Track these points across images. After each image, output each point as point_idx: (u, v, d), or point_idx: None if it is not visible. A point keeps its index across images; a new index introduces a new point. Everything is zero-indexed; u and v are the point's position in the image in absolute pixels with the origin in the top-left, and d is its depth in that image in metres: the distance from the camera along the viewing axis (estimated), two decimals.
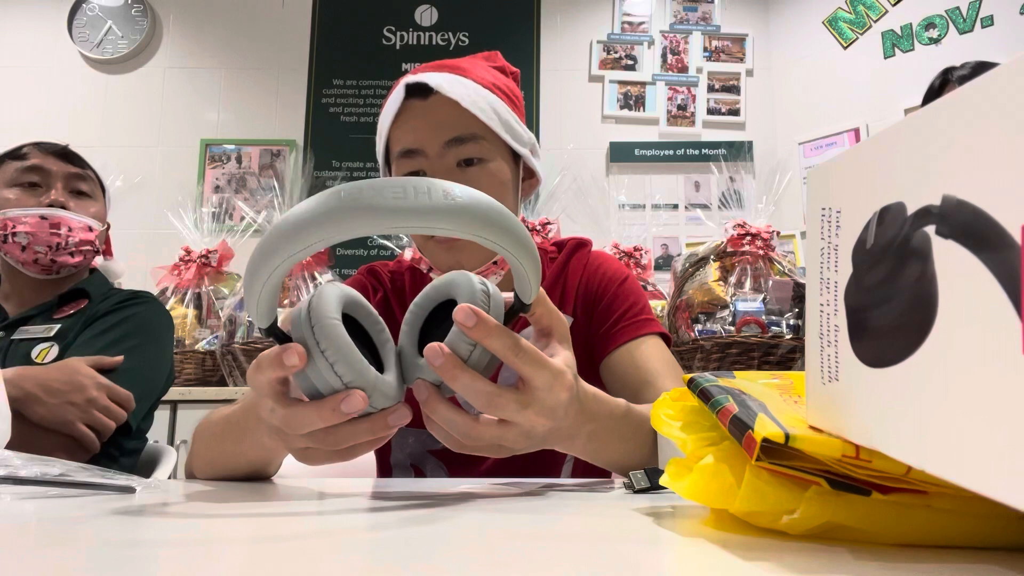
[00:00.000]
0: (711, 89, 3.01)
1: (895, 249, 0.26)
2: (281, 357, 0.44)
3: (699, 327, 1.85)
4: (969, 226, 0.23)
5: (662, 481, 0.38)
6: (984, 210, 0.22)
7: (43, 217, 1.20)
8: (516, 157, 0.89)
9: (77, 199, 1.26)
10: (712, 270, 1.91)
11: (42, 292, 1.25)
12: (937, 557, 0.27)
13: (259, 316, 0.43)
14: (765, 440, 0.30)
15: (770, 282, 1.86)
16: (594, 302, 0.91)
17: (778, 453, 0.30)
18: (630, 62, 3.03)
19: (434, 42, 3.04)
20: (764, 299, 1.84)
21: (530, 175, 0.94)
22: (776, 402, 0.36)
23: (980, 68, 1.49)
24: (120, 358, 1.11)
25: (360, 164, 2.93)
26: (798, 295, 1.85)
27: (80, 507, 0.44)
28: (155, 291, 2.34)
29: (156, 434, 1.97)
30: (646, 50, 3.04)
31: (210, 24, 3.03)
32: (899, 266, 0.26)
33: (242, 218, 2.64)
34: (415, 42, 3.04)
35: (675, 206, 2.92)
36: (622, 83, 3.01)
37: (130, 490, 0.52)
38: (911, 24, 2.71)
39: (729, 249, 1.92)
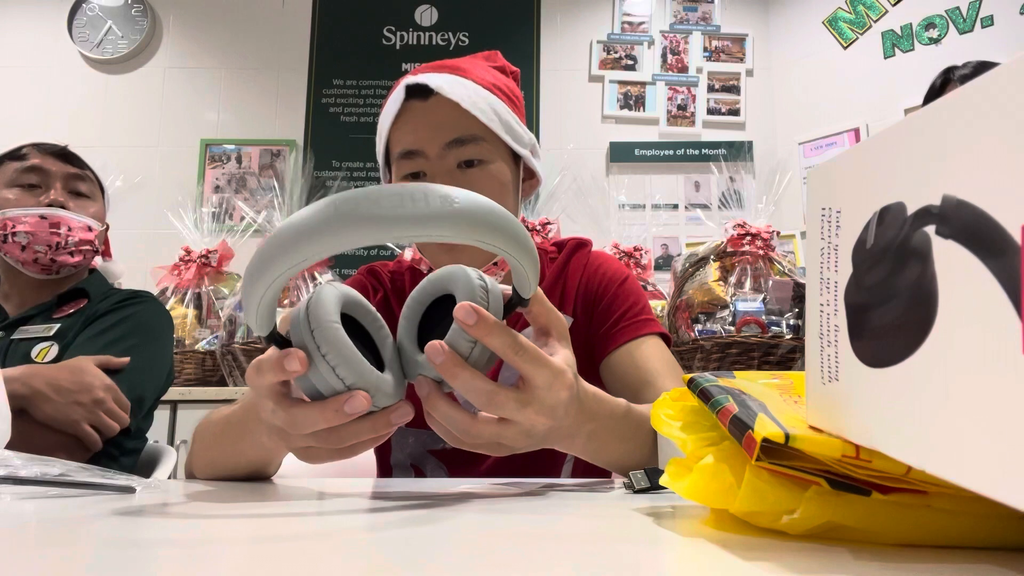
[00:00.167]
0: (711, 89, 3.01)
1: (895, 249, 0.26)
2: (282, 363, 0.44)
3: (699, 327, 1.85)
4: (969, 226, 0.23)
5: (662, 481, 0.38)
6: (984, 210, 0.22)
7: (43, 217, 1.20)
8: (516, 158, 0.89)
9: (76, 199, 1.26)
10: (712, 270, 1.91)
11: (42, 292, 1.25)
12: (937, 557, 0.27)
13: (258, 325, 0.43)
14: (765, 440, 0.30)
15: (770, 282, 1.86)
16: (594, 302, 0.91)
17: (778, 453, 0.30)
18: (630, 62, 3.03)
19: (434, 42, 3.04)
20: (764, 299, 1.84)
21: (530, 176, 0.94)
22: (776, 402, 0.36)
23: (981, 68, 1.49)
24: (126, 359, 1.11)
25: (360, 164, 2.93)
26: (798, 295, 1.85)
27: (80, 507, 0.44)
28: (155, 291, 2.34)
29: (156, 434, 1.97)
30: (646, 50, 3.04)
31: (210, 24, 3.03)
32: (899, 266, 0.26)
33: (242, 218, 2.64)
34: (415, 42, 3.04)
35: (675, 206, 2.92)
36: (622, 83, 3.01)
37: (130, 490, 0.52)
38: (911, 24, 2.71)
39: (729, 249, 1.92)
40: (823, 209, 0.32)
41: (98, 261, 1.36)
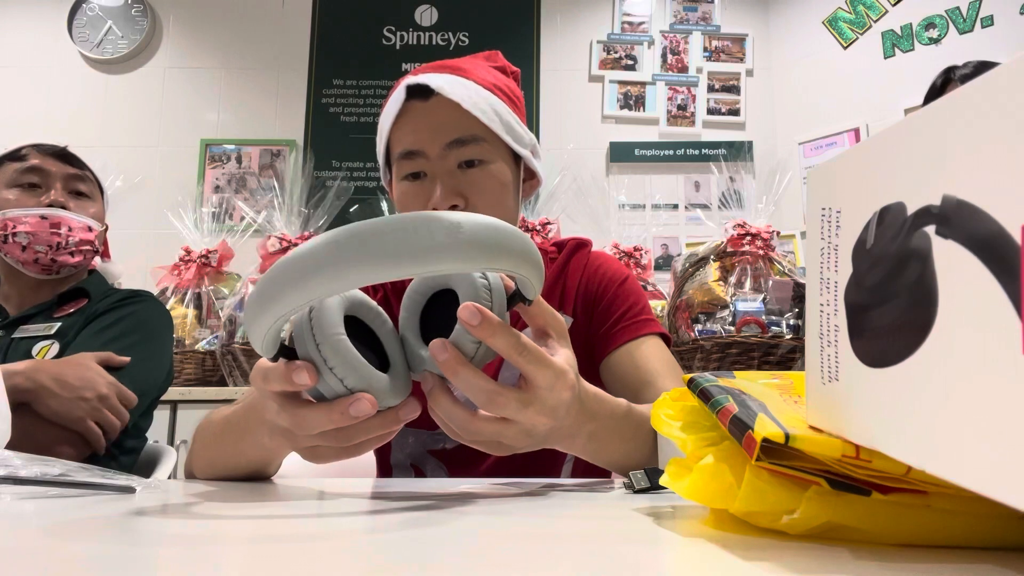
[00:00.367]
0: (711, 89, 3.01)
1: (895, 249, 0.26)
2: (290, 376, 0.44)
3: (699, 327, 1.85)
4: (969, 226, 0.23)
5: (662, 481, 0.38)
6: (984, 210, 0.22)
7: (43, 217, 1.20)
8: (517, 158, 0.89)
9: (76, 199, 1.26)
10: (712, 270, 1.91)
11: (42, 292, 1.26)
12: (937, 557, 0.27)
13: (264, 352, 0.43)
14: (765, 440, 0.30)
15: (770, 282, 1.86)
16: (594, 302, 0.91)
17: (778, 453, 0.30)
18: (630, 62, 3.03)
19: (434, 42, 3.04)
20: (764, 299, 1.84)
21: (531, 176, 0.94)
22: (776, 402, 0.36)
23: (982, 68, 1.49)
24: (127, 358, 1.11)
25: (360, 164, 2.93)
26: (798, 295, 1.85)
27: (80, 507, 0.44)
28: (155, 291, 2.34)
29: (156, 434, 1.97)
30: (646, 50, 3.04)
31: (210, 24, 3.03)
32: (899, 266, 0.26)
33: (242, 218, 2.64)
34: (415, 42, 3.04)
35: (675, 206, 2.92)
36: (622, 83, 3.01)
37: (130, 490, 0.52)
38: (911, 24, 2.71)
39: (729, 249, 1.92)
40: (823, 209, 0.32)
41: (97, 262, 1.36)
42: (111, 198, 1.38)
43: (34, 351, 1.14)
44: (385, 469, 0.93)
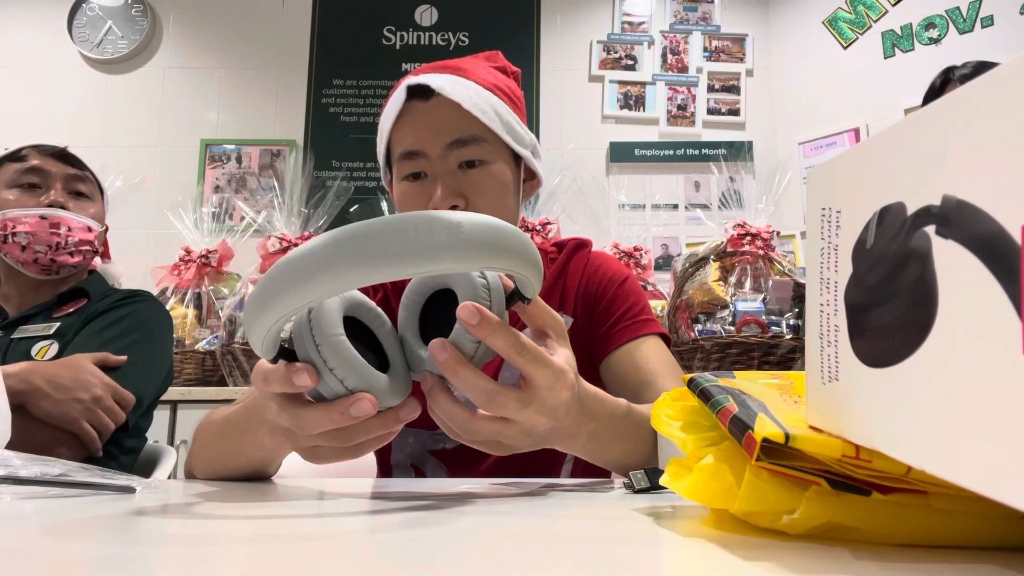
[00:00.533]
0: (711, 89, 3.01)
1: (895, 249, 0.26)
2: (291, 378, 0.44)
3: (699, 327, 1.85)
4: (969, 226, 0.23)
5: (662, 481, 0.38)
6: (984, 210, 0.22)
7: (43, 217, 1.20)
8: (517, 158, 0.89)
9: (76, 200, 1.27)
10: (712, 270, 1.91)
11: (41, 292, 1.26)
12: (937, 557, 0.27)
13: (264, 353, 0.43)
14: (765, 440, 0.30)
15: (770, 282, 1.86)
16: (594, 302, 0.91)
17: (778, 453, 0.30)
18: (630, 62, 3.03)
19: (434, 42, 3.04)
20: (764, 299, 1.84)
21: (531, 176, 0.94)
22: (776, 402, 0.36)
23: (981, 68, 1.49)
24: (124, 357, 1.11)
25: (360, 164, 2.93)
26: (798, 295, 1.85)
27: (80, 507, 0.44)
28: (155, 291, 2.34)
29: (156, 434, 1.97)
30: (646, 50, 3.04)
31: (210, 24, 3.03)
32: (899, 266, 0.26)
33: (242, 218, 2.64)
34: (415, 42, 3.04)
35: (675, 206, 2.92)
36: (622, 83, 3.01)
37: (130, 490, 0.52)
38: (911, 24, 2.71)
39: (729, 249, 1.92)
40: (823, 209, 0.32)
41: (97, 262, 1.36)
42: (111, 198, 1.39)
43: (33, 351, 1.14)
44: (385, 469, 0.93)
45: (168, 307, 2.28)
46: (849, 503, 0.30)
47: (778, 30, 3.05)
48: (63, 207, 1.23)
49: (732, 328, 1.81)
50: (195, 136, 2.93)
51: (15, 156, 1.25)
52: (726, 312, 1.84)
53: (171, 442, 2.07)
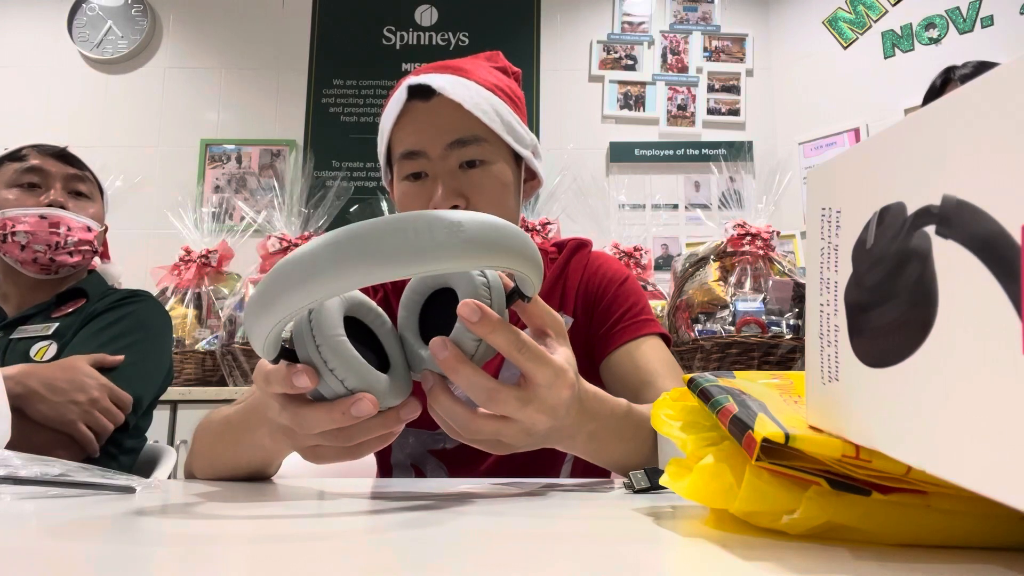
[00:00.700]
0: (711, 89, 3.01)
1: (895, 249, 0.26)
2: (291, 379, 0.44)
3: (699, 327, 1.85)
4: (969, 226, 0.23)
5: (662, 481, 0.38)
6: (984, 210, 0.22)
7: (42, 216, 1.20)
8: (518, 159, 0.89)
9: (76, 200, 1.26)
10: (712, 270, 1.91)
11: (41, 292, 1.26)
12: (937, 557, 0.27)
13: (265, 354, 0.43)
14: (765, 440, 0.30)
15: (770, 282, 1.86)
16: (594, 302, 0.91)
17: (778, 453, 0.30)
18: (630, 62, 3.03)
19: (434, 42, 3.04)
20: (764, 299, 1.84)
21: (531, 176, 0.94)
22: (776, 402, 0.36)
23: (981, 68, 1.49)
24: (121, 357, 1.11)
25: (360, 164, 2.93)
26: (798, 295, 1.85)
27: (80, 507, 0.44)
28: (155, 291, 2.34)
29: (156, 434, 1.97)
30: (646, 50, 3.04)
31: (210, 24, 3.03)
32: (899, 266, 0.26)
33: (242, 218, 2.64)
34: (415, 42, 3.04)
35: (675, 206, 2.92)
36: (622, 83, 3.01)
37: (130, 490, 0.52)
38: (911, 24, 2.71)
39: (729, 249, 1.92)
40: (823, 209, 0.32)
41: (97, 263, 1.36)
42: (111, 198, 1.39)
43: (32, 351, 1.14)
44: (385, 469, 0.93)
45: (168, 307, 2.28)
46: (849, 503, 0.30)
47: (778, 30, 3.05)
48: (63, 207, 1.23)
49: (732, 328, 1.81)
50: (195, 136, 2.93)
51: (15, 156, 1.25)
52: (726, 312, 1.84)
53: (171, 442, 2.07)
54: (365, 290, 0.95)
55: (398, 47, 3.03)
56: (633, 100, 3.00)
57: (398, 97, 0.84)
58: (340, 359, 0.44)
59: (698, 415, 0.39)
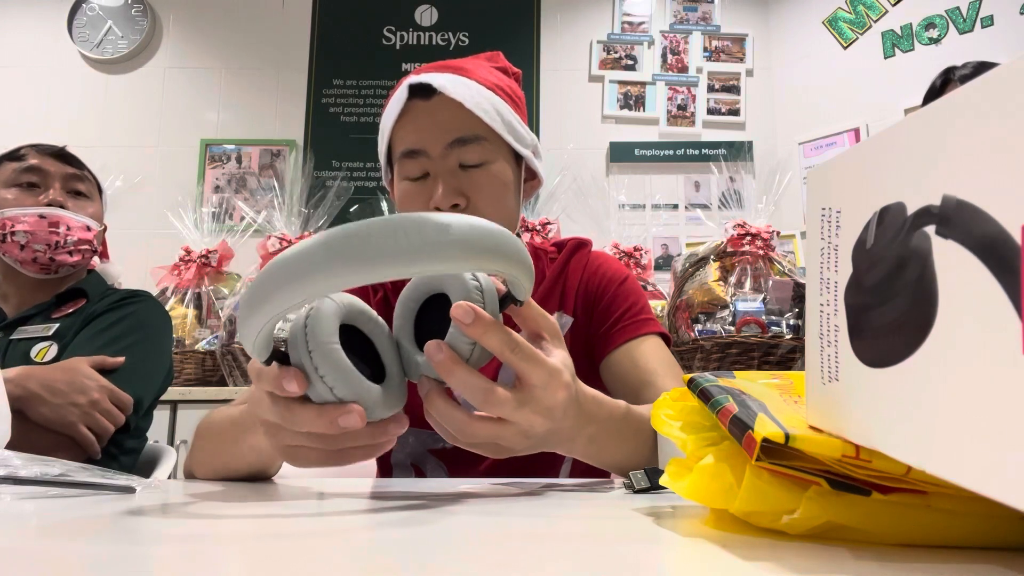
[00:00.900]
0: (711, 89, 3.01)
1: (895, 249, 0.26)
2: (280, 382, 0.44)
3: (699, 327, 1.85)
4: (969, 226, 0.23)
5: (662, 481, 0.38)
6: (984, 210, 0.22)
7: (42, 216, 1.20)
8: (518, 158, 0.89)
9: (75, 199, 1.26)
10: (712, 270, 1.91)
11: (41, 292, 1.25)
12: (937, 557, 0.27)
13: (257, 354, 0.43)
14: (765, 440, 0.30)
15: (770, 282, 1.86)
16: (594, 302, 0.91)
17: (778, 453, 0.30)
18: (630, 62, 3.03)
19: (434, 42, 3.04)
20: (764, 299, 1.84)
21: (532, 176, 0.94)
22: (776, 402, 0.36)
23: (981, 68, 1.49)
24: (122, 360, 1.11)
25: (360, 164, 2.93)
26: (798, 295, 1.85)
27: (80, 507, 0.44)
28: (155, 291, 2.34)
29: (156, 434, 1.97)
30: (646, 50, 3.04)
31: (210, 24, 3.03)
32: (899, 266, 0.26)
33: (242, 218, 2.64)
34: (415, 42, 3.04)
35: (675, 206, 2.92)
36: (622, 83, 3.01)
37: (130, 490, 0.52)
38: (911, 24, 2.71)
39: (729, 249, 1.92)
40: (823, 209, 0.32)
41: (96, 262, 1.36)
42: (111, 198, 1.39)
43: (33, 352, 1.14)
44: (385, 469, 0.93)
45: (168, 307, 2.28)
46: (849, 503, 0.30)
47: (778, 30, 3.05)
48: (62, 206, 1.23)
49: (732, 328, 1.81)
50: (195, 136, 2.93)
51: (14, 155, 1.25)
52: (726, 312, 1.84)
53: (171, 442, 2.07)
54: (365, 291, 0.95)
55: (398, 47, 3.03)
56: (633, 100, 3.00)
57: (399, 96, 0.84)
58: (331, 367, 0.43)
59: (698, 415, 0.39)
